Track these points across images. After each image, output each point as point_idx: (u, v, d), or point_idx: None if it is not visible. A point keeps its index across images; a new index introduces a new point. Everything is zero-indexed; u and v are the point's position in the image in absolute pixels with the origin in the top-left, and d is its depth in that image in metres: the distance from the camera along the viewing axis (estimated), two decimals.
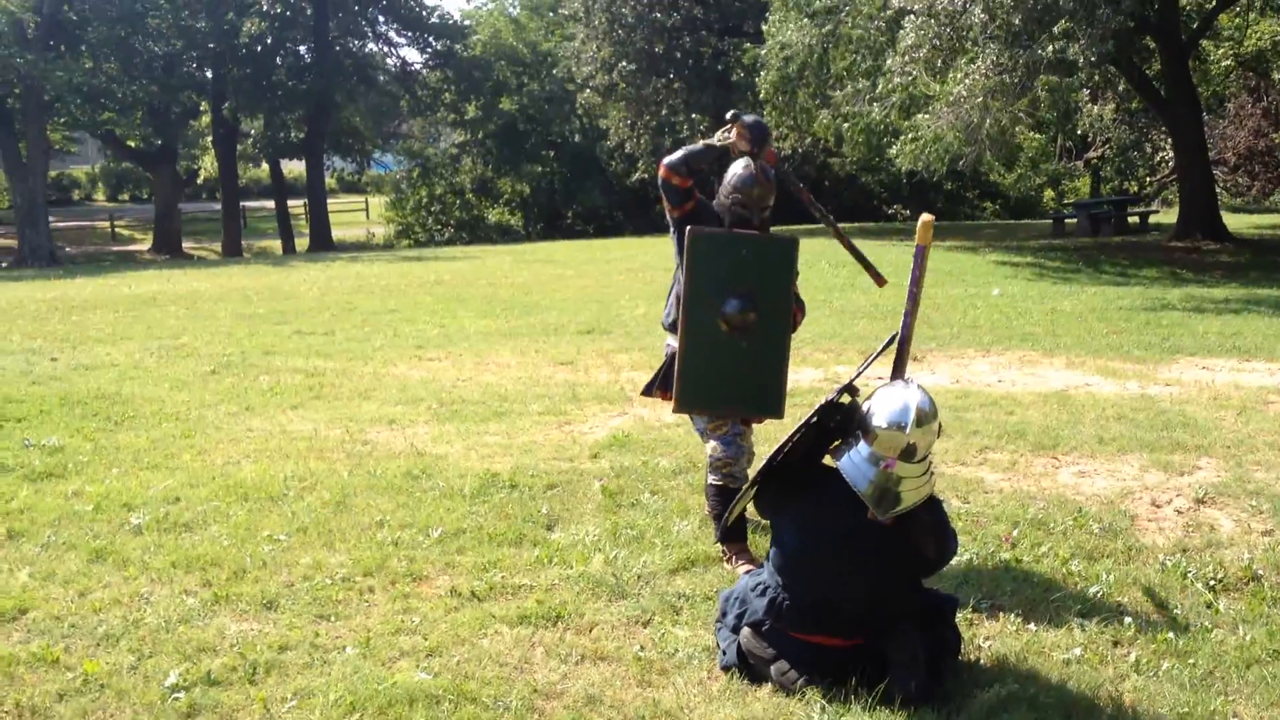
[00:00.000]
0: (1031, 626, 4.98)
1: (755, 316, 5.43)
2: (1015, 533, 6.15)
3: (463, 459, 7.74)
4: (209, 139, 47.62)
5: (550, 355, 12.12)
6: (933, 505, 4.34)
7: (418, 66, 47.34)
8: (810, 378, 10.62)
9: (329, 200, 50.71)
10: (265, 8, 39.09)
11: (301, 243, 45.37)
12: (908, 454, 4.16)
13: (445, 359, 12.06)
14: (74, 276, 26.54)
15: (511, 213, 51.61)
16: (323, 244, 43.75)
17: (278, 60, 41.93)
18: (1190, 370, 10.88)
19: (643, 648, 4.72)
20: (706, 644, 4.75)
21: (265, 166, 53.45)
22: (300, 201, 49.34)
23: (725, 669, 4.50)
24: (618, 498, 6.79)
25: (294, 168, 54.33)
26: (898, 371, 4.70)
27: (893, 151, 27.64)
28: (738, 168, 5.82)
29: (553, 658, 4.64)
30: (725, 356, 5.37)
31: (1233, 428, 8.36)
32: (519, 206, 51.30)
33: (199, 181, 58.20)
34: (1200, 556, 5.80)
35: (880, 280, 5.87)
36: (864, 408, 4.31)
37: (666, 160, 5.70)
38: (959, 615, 5.04)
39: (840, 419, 4.43)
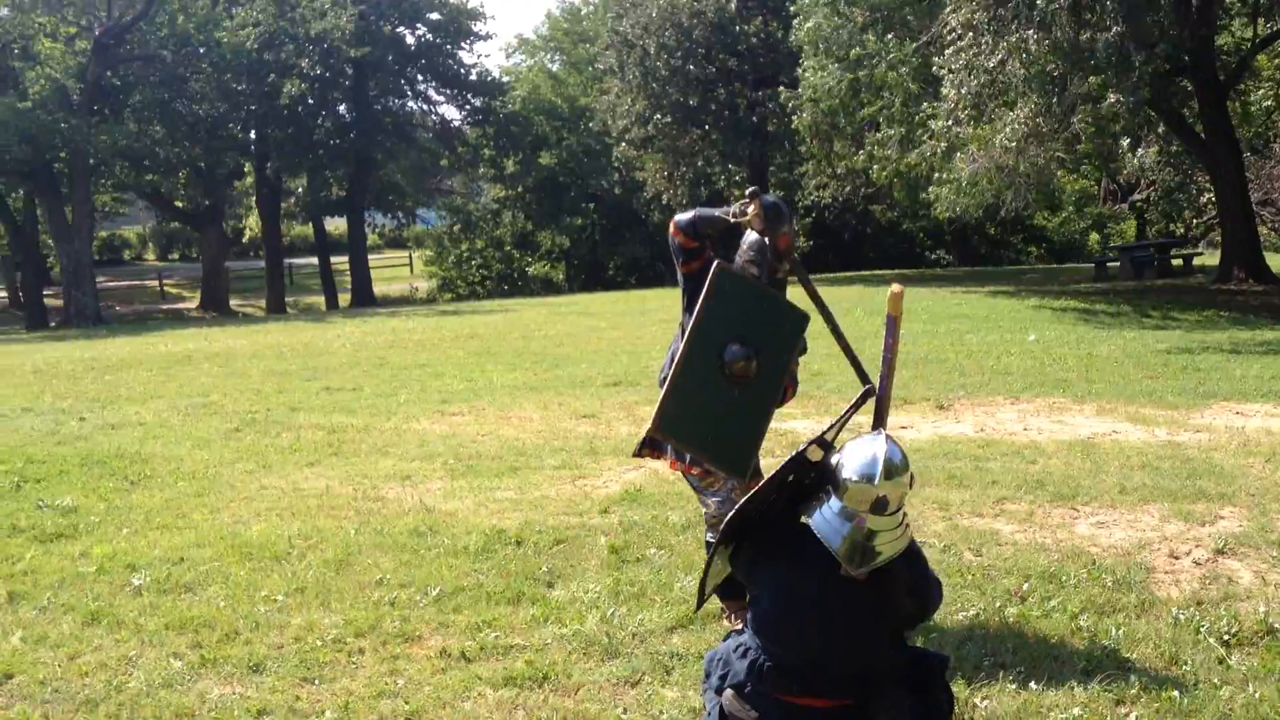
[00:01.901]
0: (1033, 685, 4.82)
1: (757, 367, 5.31)
2: (1025, 586, 5.99)
3: (472, 515, 7.68)
4: (253, 198, 48.26)
5: (573, 408, 12.06)
6: (910, 558, 4.20)
7: (457, 123, 47.80)
8: (805, 426, 10.47)
9: (374, 256, 51.16)
10: (305, 69, 39.63)
11: (345, 298, 45.76)
12: (879, 507, 4.04)
13: (468, 413, 12.03)
14: (115, 336, 26.86)
15: (552, 265, 51.88)
16: (364, 299, 44.12)
17: (318, 120, 42.46)
18: (1223, 415, 10.65)
19: (625, 710, 4.62)
20: (694, 705, 4.64)
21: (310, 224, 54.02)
22: (344, 258, 49.84)
23: None
24: (623, 553, 6.69)
25: (338, 224, 54.90)
26: (877, 427, 4.58)
27: (929, 197, 27.55)
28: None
29: None
30: (712, 397, 5.22)
31: (1260, 475, 8.15)
32: (559, 259, 51.56)
33: (244, 240, 58.94)
34: (1215, 610, 5.62)
35: (868, 387, 5.57)
36: (833, 461, 4.20)
37: (676, 218, 5.60)
38: (958, 674, 4.91)
39: (815, 475, 4.32)
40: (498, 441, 10.36)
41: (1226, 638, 5.29)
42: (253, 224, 55.52)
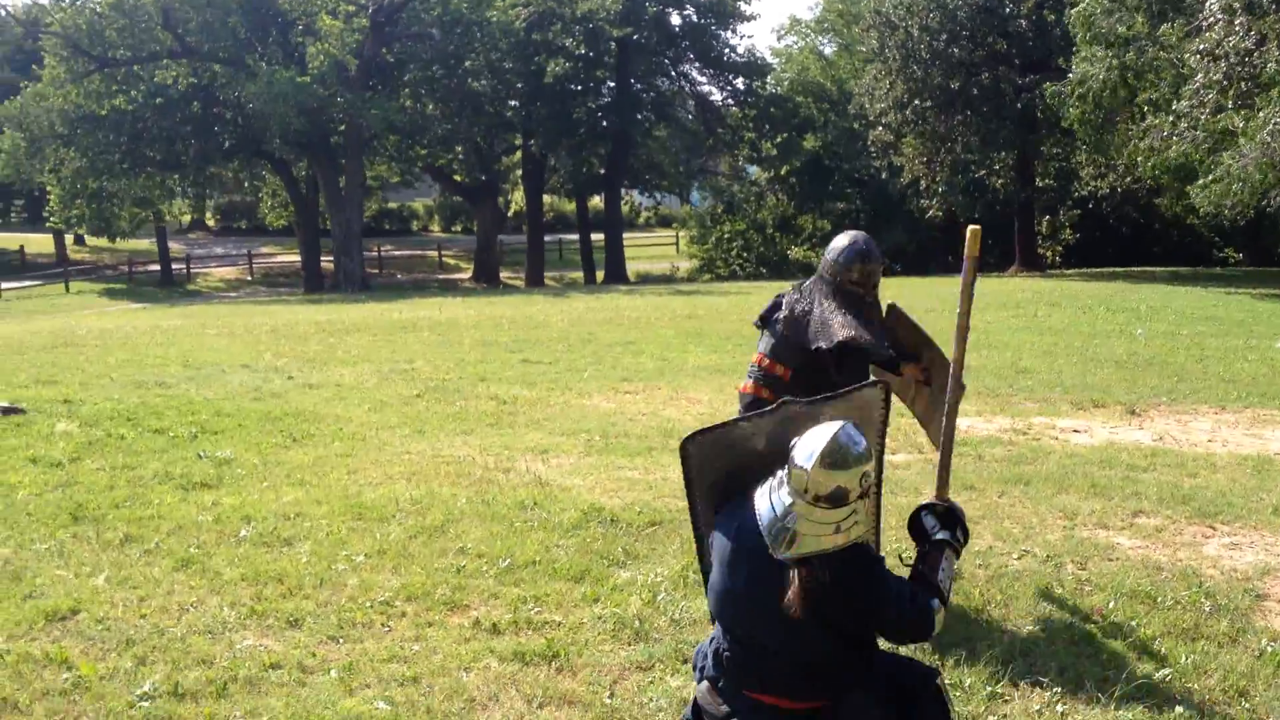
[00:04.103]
0: (1060, 708, 4.52)
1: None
2: (1111, 605, 5.61)
3: (585, 492, 7.73)
4: (519, 174, 49.81)
5: None
6: (843, 560, 3.90)
7: (718, 103, 47.84)
8: (1000, 426, 10.03)
9: (643, 234, 51.81)
10: (571, 48, 40.57)
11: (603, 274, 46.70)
12: (822, 496, 3.82)
13: (641, 392, 12.10)
14: (369, 302, 28.25)
15: (813, 250, 51.37)
16: (617, 276, 44.87)
17: (581, 99, 43.36)
18: None
19: (613, 695, 4.58)
20: (687, 696, 4.55)
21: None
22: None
23: None
24: None
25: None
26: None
27: (1192, 191, 25.88)
28: (841, 240, 5.61)
29: (521, 698, 4.57)
30: None
31: None
32: (821, 244, 51.00)
33: (510, 215, 60.85)
34: None
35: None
36: (792, 442, 4.01)
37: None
38: (983, 692, 4.66)
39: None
40: (654, 421, 10.38)
41: None
42: (519, 199, 57.29)
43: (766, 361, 5.76)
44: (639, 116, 43.27)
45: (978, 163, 36.80)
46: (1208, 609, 5.55)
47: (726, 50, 45.68)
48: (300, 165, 41.29)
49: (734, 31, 45.77)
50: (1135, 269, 38.27)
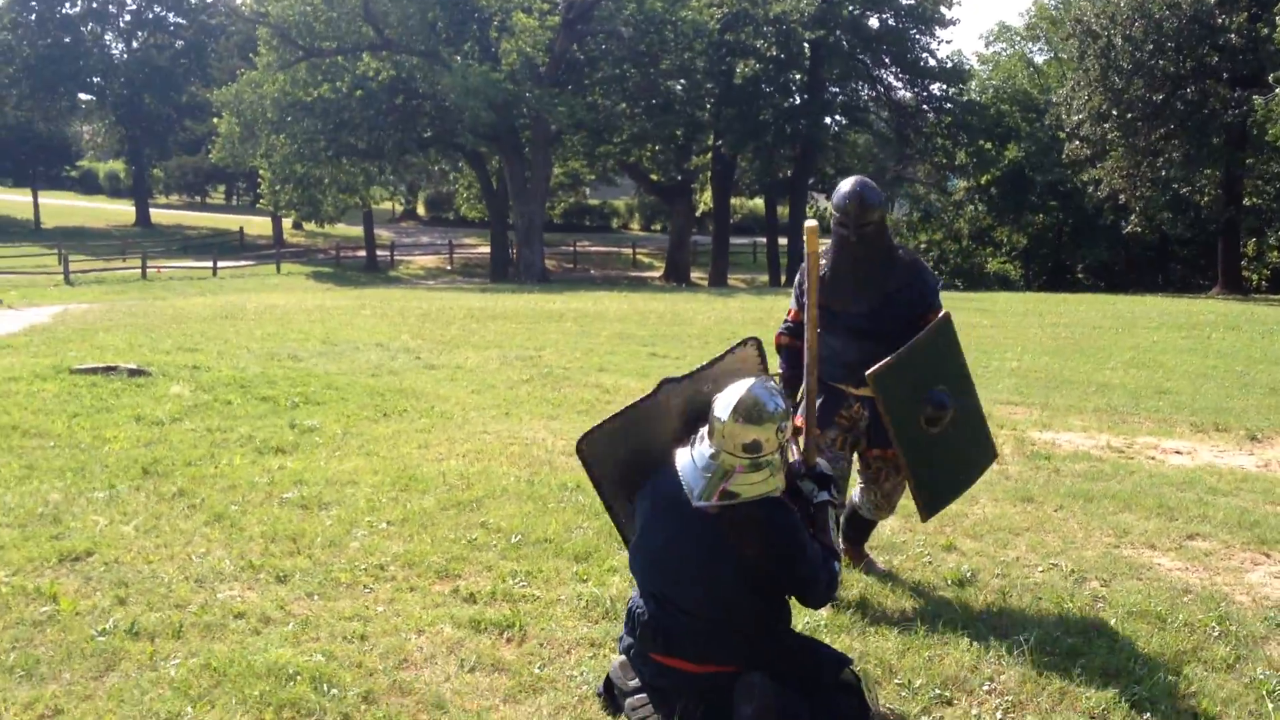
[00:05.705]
0: (1001, 718, 4.38)
1: (949, 412, 5.50)
2: (1112, 622, 5.37)
3: None
4: (708, 174, 50.02)
5: None
6: (767, 504, 4.01)
7: (912, 110, 46.93)
8: (1098, 443, 9.65)
9: None
10: (762, 50, 40.49)
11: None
12: (741, 447, 3.96)
13: None
14: (538, 293, 28.81)
15: (1011, 263, 50.03)
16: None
17: (770, 101, 43.19)
18: None
19: (545, 666, 4.63)
20: None
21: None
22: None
23: (599, 695, 4.37)
24: None
25: None
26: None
27: None
28: (843, 185, 5.71)
29: (455, 662, 4.65)
30: (942, 453, 5.57)
31: None
32: (1017, 257, 49.67)
33: (697, 215, 61.32)
34: None
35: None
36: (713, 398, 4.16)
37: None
38: (920, 697, 4.54)
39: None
40: None
41: None
42: (707, 199, 57.52)
43: (793, 311, 5.89)
44: (828, 120, 42.91)
45: (1181, 179, 35.16)
46: (1215, 634, 5.27)
47: (925, 55, 44.86)
48: (493, 159, 42.36)
49: (933, 36, 44.72)
50: None
